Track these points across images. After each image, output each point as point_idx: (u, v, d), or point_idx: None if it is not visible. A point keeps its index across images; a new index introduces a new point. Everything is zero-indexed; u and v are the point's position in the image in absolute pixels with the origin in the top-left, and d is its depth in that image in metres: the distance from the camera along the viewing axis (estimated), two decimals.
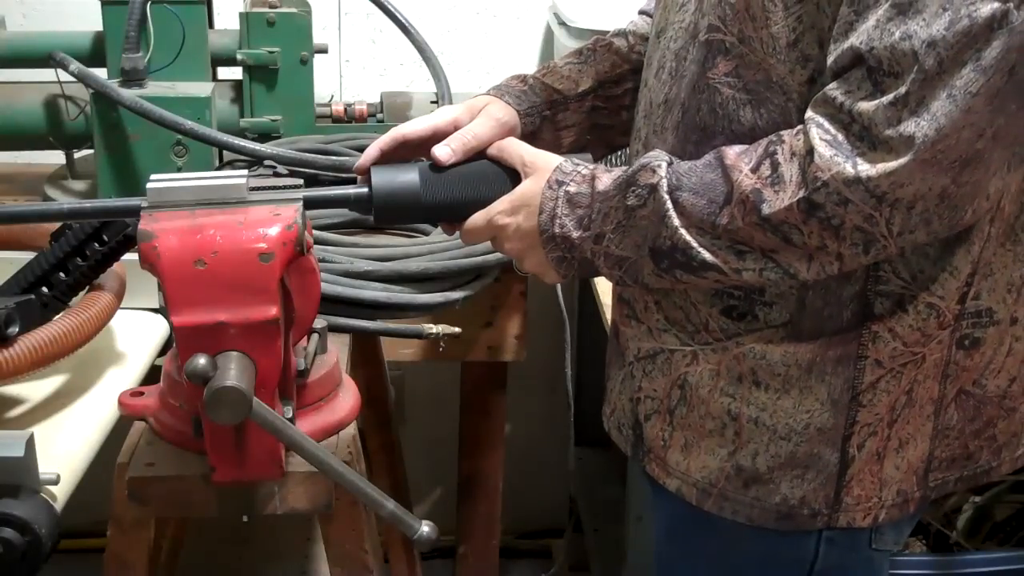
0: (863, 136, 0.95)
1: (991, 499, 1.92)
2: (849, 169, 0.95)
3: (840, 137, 0.96)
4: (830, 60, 0.97)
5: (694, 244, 1.03)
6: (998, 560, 1.80)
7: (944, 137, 0.92)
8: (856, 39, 0.94)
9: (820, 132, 0.96)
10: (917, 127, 0.92)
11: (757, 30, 1.03)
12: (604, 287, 1.78)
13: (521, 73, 1.29)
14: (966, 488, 1.19)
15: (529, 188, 1.13)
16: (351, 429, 1.21)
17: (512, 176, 1.16)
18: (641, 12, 1.34)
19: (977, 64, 0.91)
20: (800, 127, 0.99)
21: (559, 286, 1.96)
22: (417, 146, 1.20)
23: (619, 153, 1.39)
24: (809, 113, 0.99)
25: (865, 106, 0.94)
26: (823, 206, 0.96)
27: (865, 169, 0.94)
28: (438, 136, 1.19)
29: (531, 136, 1.24)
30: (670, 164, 1.06)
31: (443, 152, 1.16)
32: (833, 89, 0.97)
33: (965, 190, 0.96)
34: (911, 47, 0.91)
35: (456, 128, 1.20)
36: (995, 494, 1.92)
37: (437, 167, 1.16)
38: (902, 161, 0.93)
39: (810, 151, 0.97)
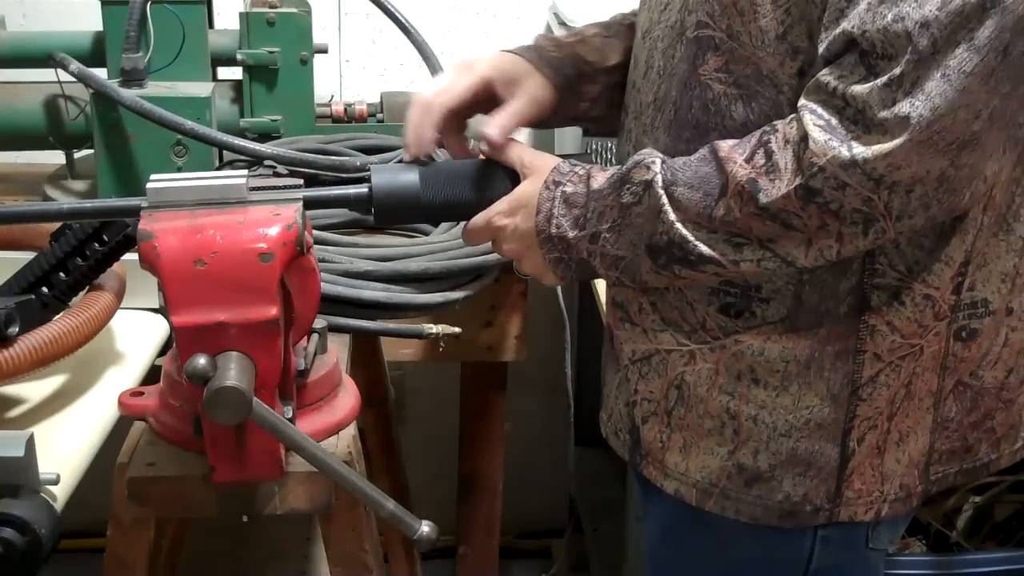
0: (857, 120, 0.95)
1: (991, 499, 1.92)
2: (845, 152, 0.95)
3: (834, 121, 0.96)
4: (822, 48, 0.98)
5: (691, 238, 1.03)
6: (998, 560, 1.80)
7: (940, 117, 0.92)
8: (848, 24, 0.95)
9: (813, 118, 0.97)
10: (912, 107, 0.92)
11: (746, 24, 1.03)
12: (604, 287, 1.77)
13: (553, 36, 1.26)
14: (966, 482, 1.20)
15: (527, 189, 1.13)
16: (351, 429, 1.21)
17: (512, 177, 1.16)
18: None
19: (971, 44, 0.91)
20: (793, 116, 1.00)
21: (559, 286, 1.96)
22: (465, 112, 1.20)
23: (609, 156, 1.38)
24: (802, 101, 0.99)
25: (859, 89, 0.94)
26: (821, 191, 0.97)
27: (861, 151, 0.94)
28: (478, 98, 1.18)
29: (554, 106, 1.22)
30: (664, 161, 1.06)
31: (495, 131, 1.15)
32: (826, 75, 0.97)
33: (964, 173, 0.97)
34: (904, 28, 0.92)
35: (488, 90, 1.18)
36: (995, 494, 1.92)
37: (436, 166, 1.16)
38: (898, 142, 0.93)
39: (804, 137, 0.97)
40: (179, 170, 1.73)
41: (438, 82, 1.20)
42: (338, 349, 1.27)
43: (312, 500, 1.14)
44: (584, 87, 1.24)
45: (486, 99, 1.19)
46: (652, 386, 1.17)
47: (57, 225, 1.29)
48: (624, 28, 1.29)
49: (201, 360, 0.98)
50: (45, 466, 1.08)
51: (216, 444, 1.08)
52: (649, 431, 1.18)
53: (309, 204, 1.09)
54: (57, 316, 1.24)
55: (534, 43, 1.24)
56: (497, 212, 1.14)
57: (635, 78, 1.19)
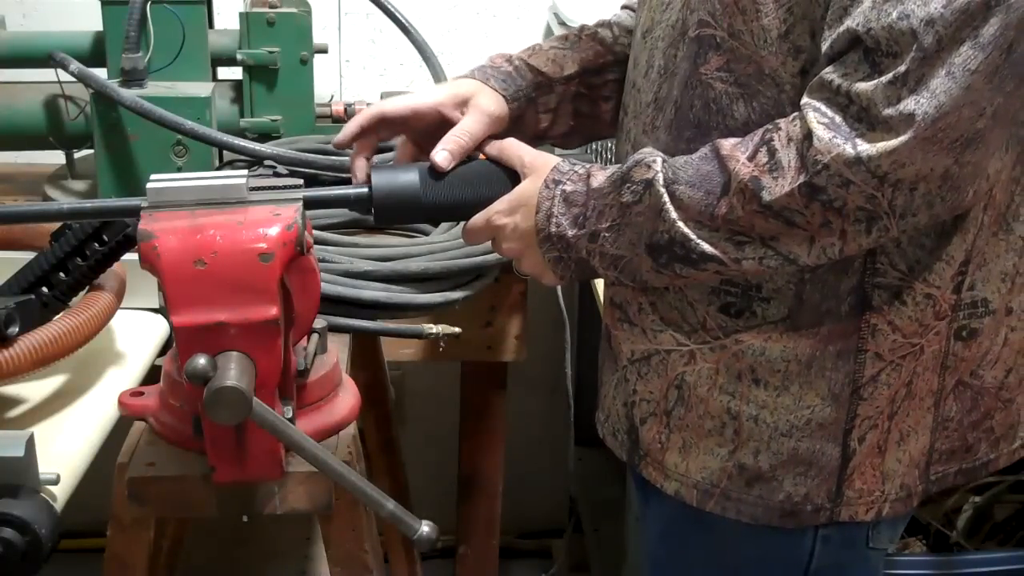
0: (861, 117, 0.95)
1: (991, 499, 1.92)
2: (849, 150, 0.95)
3: (838, 119, 0.96)
4: (825, 46, 0.98)
5: (693, 236, 1.03)
6: (998, 560, 1.80)
7: (944, 115, 0.92)
8: (852, 22, 0.95)
9: (817, 115, 0.97)
10: (917, 105, 0.92)
11: (747, 23, 1.03)
12: (603, 287, 1.77)
13: (506, 52, 1.28)
14: (965, 482, 1.20)
15: (527, 188, 1.13)
16: (351, 429, 1.21)
17: (512, 177, 1.16)
18: (624, 7, 1.34)
19: (975, 41, 0.91)
20: (796, 114, 1.00)
21: (559, 286, 1.96)
22: (396, 124, 1.21)
23: (609, 156, 1.39)
24: (805, 99, 0.99)
25: (863, 86, 0.94)
26: (825, 189, 0.97)
27: (865, 149, 0.94)
28: (418, 117, 1.20)
29: (515, 121, 1.24)
30: (664, 160, 1.06)
31: (442, 157, 1.16)
32: (829, 73, 0.97)
33: (967, 171, 0.97)
34: (909, 26, 0.92)
35: (438, 112, 1.20)
36: (995, 494, 1.92)
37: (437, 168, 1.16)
38: (903, 139, 0.93)
39: (808, 135, 0.97)
40: (179, 170, 1.73)
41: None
42: (338, 349, 1.27)
43: (312, 500, 1.14)
44: (540, 98, 1.26)
45: (443, 124, 1.20)
46: (651, 386, 1.17)
47: (57, 225, 1.29)
48: (584, 39, 1.30)
49: (201, 360, 0.98)
50: (45, 466, 1.08)
51: (216, 444, 1.08)
52: (648, 431, 1.18)
53: (309, 204, 1.09)
54: (57, 316, 1.24)
55: (487, 61, 1.27)
56: (497, 211, 1.15)
57: (635, 78, 1.18)
